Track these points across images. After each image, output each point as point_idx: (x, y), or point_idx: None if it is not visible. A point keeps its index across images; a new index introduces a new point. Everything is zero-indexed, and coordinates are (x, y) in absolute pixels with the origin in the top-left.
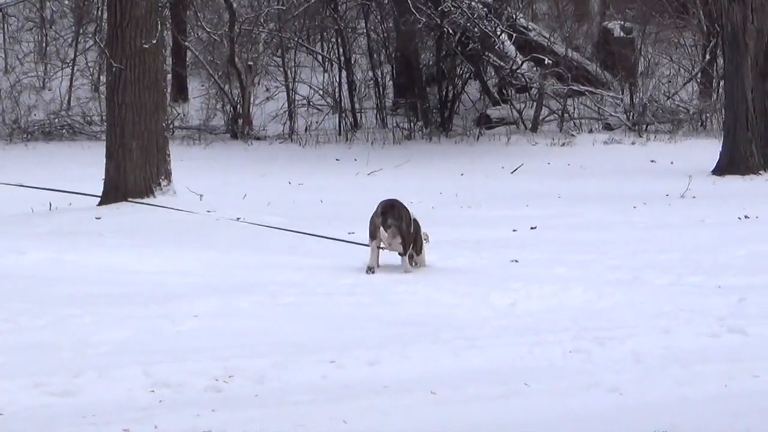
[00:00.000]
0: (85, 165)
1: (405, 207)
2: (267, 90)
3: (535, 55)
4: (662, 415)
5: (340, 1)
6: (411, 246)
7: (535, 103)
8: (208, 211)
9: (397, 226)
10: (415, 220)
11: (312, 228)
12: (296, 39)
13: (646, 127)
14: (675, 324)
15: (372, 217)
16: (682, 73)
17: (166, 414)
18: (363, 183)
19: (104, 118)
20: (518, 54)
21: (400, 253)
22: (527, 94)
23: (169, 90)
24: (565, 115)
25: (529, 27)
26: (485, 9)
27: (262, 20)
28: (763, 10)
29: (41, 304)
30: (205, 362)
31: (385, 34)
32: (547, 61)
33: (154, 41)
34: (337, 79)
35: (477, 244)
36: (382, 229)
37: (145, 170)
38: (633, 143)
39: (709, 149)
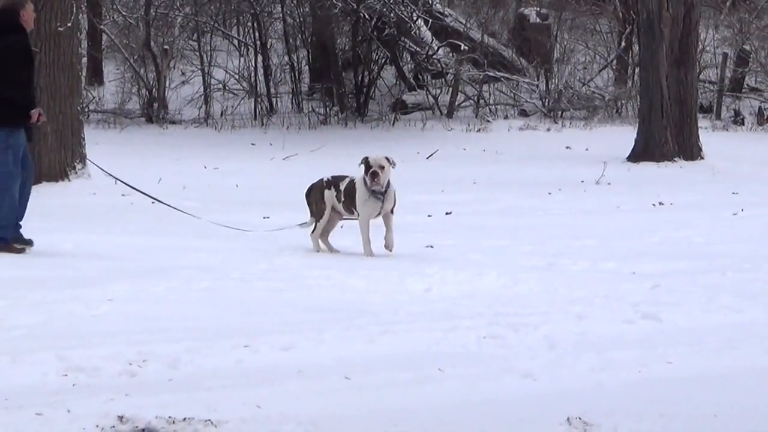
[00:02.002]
0: None
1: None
2: (183, 74)
3: (451, 40)
4: (576, 401)
5: None
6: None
7: (450, 89)
8: (123, 195)
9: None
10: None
11: (228, 211)
12: (212, 23)
13: (562, 113)
14: (589, 310)
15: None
16: (598, 59)
17: (79, 398)
18: (278, 167)
19: None
20: (434, 40)
21: None
22: (443, 79)
23: (84, 73)
24: (481, 101)
25: (446, 12)
26: None
27: (177, 4)
28: None
29: None
30: (119, 346)
31: (301, 19)
32: (463, 46)
33: (69, 24)
34: (253, 64)
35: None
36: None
37: (60, 154)
38: (548, 129)
39: (624, 136)
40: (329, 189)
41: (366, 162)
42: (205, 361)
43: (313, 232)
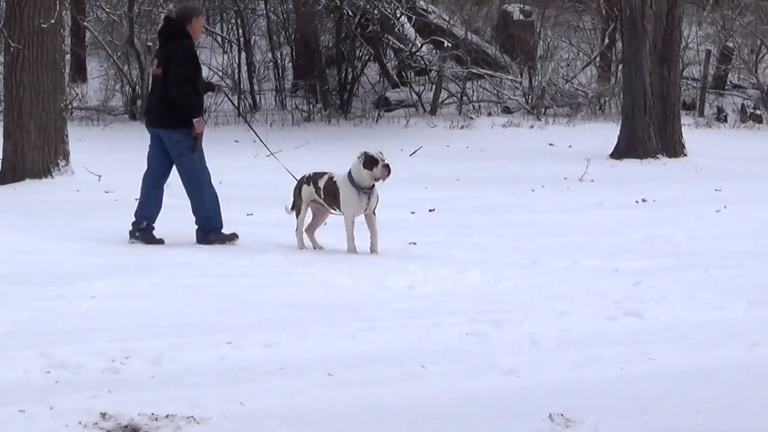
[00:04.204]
0: None
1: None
2: None
3: (434, 37)
4: (558, 398)
5: None
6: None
7: (434, 86)
8: (106, 192)
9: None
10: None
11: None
12: None
13: (545, 110)
14: (572, 307)
15: None
16: (581, 56)
17: (62, 395)
18: (262, 165)
19: (2, 98)
20: (418, 36)
21: None
22: (426, 76)
23: (67, 70)
24: (464, 98)
25: (429, 9)
26: None
27: (161, 1)
28: None
29: None
30: (102, 343)
31: (285, 16)
32: (446, 43)
33: (53, 21)
34: (237, 61)
35: None
36: None
37: (43, 151)
38: (532, 126)
39: (607, 133)
40: (308, 185)
41: (369, 157)
42: (188, 358)
43: (296, 229)
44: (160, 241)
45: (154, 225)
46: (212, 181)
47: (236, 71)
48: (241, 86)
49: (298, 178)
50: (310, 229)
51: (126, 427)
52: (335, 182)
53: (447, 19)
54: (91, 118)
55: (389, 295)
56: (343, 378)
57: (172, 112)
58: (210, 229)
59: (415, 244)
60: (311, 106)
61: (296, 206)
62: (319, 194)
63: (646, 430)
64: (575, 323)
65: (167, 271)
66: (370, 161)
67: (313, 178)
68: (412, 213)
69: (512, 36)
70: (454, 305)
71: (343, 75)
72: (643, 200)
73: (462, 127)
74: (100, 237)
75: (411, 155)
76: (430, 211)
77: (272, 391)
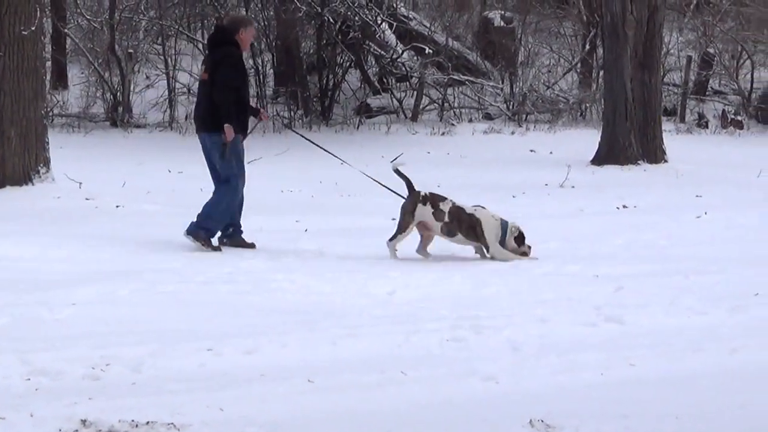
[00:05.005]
0: None
1: (415, 200)
2: (147, 78)
3: (415, 44)
4: (538, 403)
5: None
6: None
7: (415, 93)
8: (87, 199)
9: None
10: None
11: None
12: (177, 27)
13: (526, 116)
14: (552, 313)
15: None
16: (562, 63)
17: (42, 402)
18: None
19: None
20: (399, 43)
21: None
22: (407, 83)
23: (48, 77)
24: (446, 104)
25: (410, 16)
26: None
27: (142, 8)
28: (642, 1)
29: None
30: (82, 350)
31: (266, 23)
32: (427, 50)
33: (33, 28)
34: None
35: (356, 232)
36: None
37: (24, 158)
38: (513, 133)
39: (588, 139)
40: (423, 205)
41: (521, 234)
42: (169, 365)
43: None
44: (251, 245)
45: (242, 228)
46: (241, 193)
47: None
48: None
49: (410, 196)
50: (424, 245)
51: None
52: (472, 215)
53: (428, 25)
54: (72, 125)
55: (370, 301)
56: (323, 384)
57: (217, 116)
58: (203, 227)
59: (396, 250)
60: (292, 112)
61: (405, 224)
62: (441, 218)
63: None
64: (556, 329)
65: (148, 278)
66: (521, 238)
67: (431, 199)
68: (393, 219)
69: (493, 42)
70: (435, 311)
71: (324, 81)
72: (624, 206)
73: (443, 133)
74: (81, 244)
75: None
76: None
77: (252, 398)
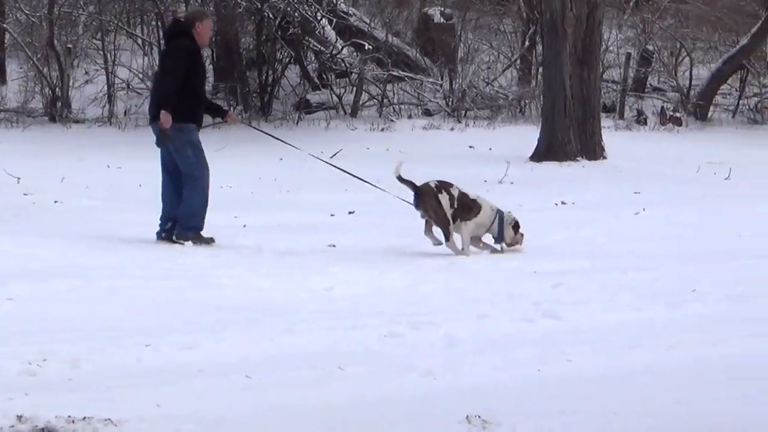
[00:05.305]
0: None
1: (433, 193)
2: (86, 73)
3: (355, 40)
4: (475, 399)
5: None
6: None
7: (354, 89)
8: (25, 194)
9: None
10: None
11: (131, 210)
12: (116, 22)
13: (465, 113)
14: (490, 309)
15: None
16: (502, 59)
17: None
18: None
19: None
20: (338, 39)
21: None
22: (347, 79)
23: None
24: (385, 100)
25: (350, 12)
26: None
27: (81, 3)
28: None
29: None
30: (19, 346)
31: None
32: (367, 46)
33: None
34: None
35: (295, 228)
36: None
37: None
38: (452, 129)
39: (527, 135)
40: (441, 193)
41: (517, 223)
42: (107, 360)
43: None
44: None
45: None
46: (208, 179)
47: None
48: None
49: (425, 192)
50: (429, 228)
51: (42, 429)
52: (475, 201)
53: (368, 21)
54: (11, 120)
55: (308, 297)
56: (261, 380)
57: (161, 109)
58: (188, 227)
59: (334, 246)
60: (232, 108)
61: (445, 218)
62: (453, 204)
63: None
64: (494, 325)
65: (86, 274)
66: (517, 227)
67: (443, 187)
68: (332, 215)
69: (433, 39)
70: (373, 307)
71: (264, 77)
72: (563, 203)
73: (382, 129)
74: (19, 239)
75: (331, 157)
76: (349, 213)
77: (190, 394)
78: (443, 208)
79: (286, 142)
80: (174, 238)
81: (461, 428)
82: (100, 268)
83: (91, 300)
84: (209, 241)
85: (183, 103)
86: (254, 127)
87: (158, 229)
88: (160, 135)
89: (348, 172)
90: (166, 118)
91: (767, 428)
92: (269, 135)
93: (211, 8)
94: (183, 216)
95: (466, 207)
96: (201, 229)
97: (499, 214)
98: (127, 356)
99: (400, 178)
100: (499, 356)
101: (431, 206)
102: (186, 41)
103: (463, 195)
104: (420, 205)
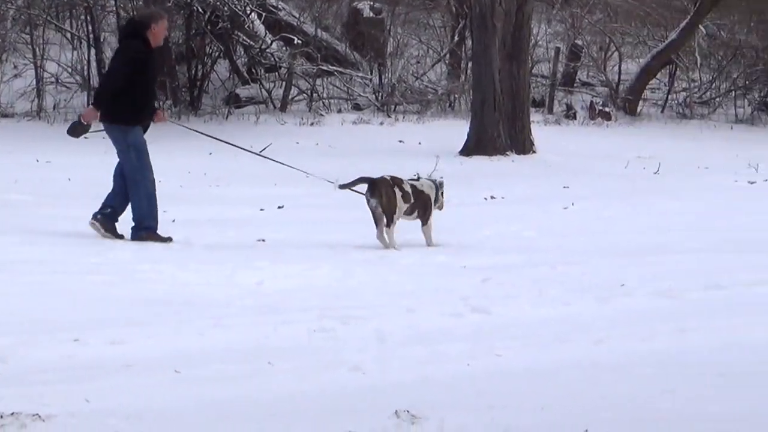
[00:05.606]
0: None
1: (389, 184)
2: (15, 67)
3: (284, 34)
4: (404, 394)
5: None
6: (388, 218)
7: (284, 83)
8: None
9: (378, 202)
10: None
11: (61, 206)
12: (45, 16)
13: (395, 107)
14: (419, 303)
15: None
16: (431, 54)
17: None
18: (112, 162)
19: None
20: (268, 33)
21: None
22: (277, 73)
23: None
24: (315, 94)
25: (279, 6)
26: None
27: None
28: None
29: None
30: None
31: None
32: (296, 40)
33: None
34: (86, 57)
35: (224, 222)
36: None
37: None
38: (382, 123)
39: (457, 130)
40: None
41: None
42: (34, 355)
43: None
44: (120, 236)
45: (118, 219)
46: (152, 181)
47: (86, 68)
48: (91, 83)
49: (380, 178)
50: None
51: None
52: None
53: (297, 16)
54: None
55: (238, 291)
56: (190, 375)
57: (114, 106)
58: (142, 228)
59: (264, 240)
60: (161, 102)
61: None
62: (408, 199)
63: (491, 427)
64: (423, 319)
65: (13, 268)
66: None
67: (397, 182)
68: (261, 210)
69: (362, 33)
70: (303, 302)
71: (193, 71)
72: (492, 197)
73: (312, 123)
74: None
75: (261, 152)
76: (279, 207)
77: (118, 389)
78: (396, 198)
79: (218, 139)
80: (131, 239)
81: (390, 423)
82: (28, 262)
83: (20, 294)
84: (167, 240)
85: (130, 105)
86: (182, 125)
87: (96, 210)
88: (75, 125)
89: (285, 164)
90: (90, 113)
91: (694, 421)
92: (198, 132)
93: (141, 2)
94: (136, 220)
95: (422, 201)
96: (155, 229)
97: (437, 185)
98: (56, 351)
99: (343, 186)
100: (429, 351)
101: (387, 194)
102: (137, 43)
103: (413, 186)
104: (375, 193)
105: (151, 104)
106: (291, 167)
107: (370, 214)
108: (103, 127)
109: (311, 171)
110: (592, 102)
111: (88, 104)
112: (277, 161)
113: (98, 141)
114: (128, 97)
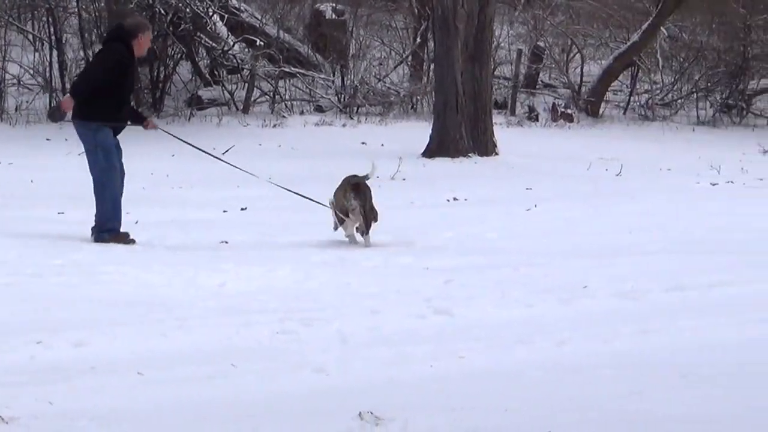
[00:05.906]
0: None
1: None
2: None
3: (246, 36)
4: (368, 396)
5: None
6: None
7: (246, 85)
8: None
9: (361, 205)
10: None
11: (24, 207)
12: (6, 17)
13: (357, 109)
14: (382, 305)
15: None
16: (393, 56)
17: None
18: (74, 163)
19: None
20: (230, 35)
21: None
22: (239, 75)
23: None
24: (277, 96)
25: (242, 8)
26: None
27: None
28: None
29: None
30: None
31: (97, 14)
32: (258, 42)
33: None
34: (48, 59)
35: (187, 224)
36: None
37: None
38: (344, 125)
39: (419, 132)
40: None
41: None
42: None
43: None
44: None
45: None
46: (119, 183)
47: (48, 69)
48: (53, 84)
49: (361, 180)
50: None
51: None
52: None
53: (259, 17)
54: None
55: (200, 293)
56: (153, 377)
57: (88, 105)
58: (105, 230)
59: (227, 242)
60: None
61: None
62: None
63: (456, 429)
64: (386, 321)
65: None
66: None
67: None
68: (224, 212)
69: (324, 35)
70: (265, 303)
71: (155, 73)
72: (455, 199)
73: (274, 125)
74: None
75: (223, 154)
76: (242, 209)
77: (82, 391)
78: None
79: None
80: (92, 240)
81: (354, 424)
82: None
83: None
84: (130, 241)
85: (105, 106)
86: (174, 135)
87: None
88: (54, 110)
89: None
90: (68, 102)
91: (656, 422)
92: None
93: (102, 4)
94: (99, 221)
95: (368, 198)
96: (118, 230)
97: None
98: (19, 353)
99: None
100: (392, 352)
101: (369, 197)
102: (121, 48)
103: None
104: (358, 196)
105: (124, 108)
106: (291, 191)
107: (350, 214)
108: (72, 122)
109: (272, 173)
110: (554, 104)
111: (50, 105)
112: (279, 185)
113: (60, 142)
114: (103, 99)
